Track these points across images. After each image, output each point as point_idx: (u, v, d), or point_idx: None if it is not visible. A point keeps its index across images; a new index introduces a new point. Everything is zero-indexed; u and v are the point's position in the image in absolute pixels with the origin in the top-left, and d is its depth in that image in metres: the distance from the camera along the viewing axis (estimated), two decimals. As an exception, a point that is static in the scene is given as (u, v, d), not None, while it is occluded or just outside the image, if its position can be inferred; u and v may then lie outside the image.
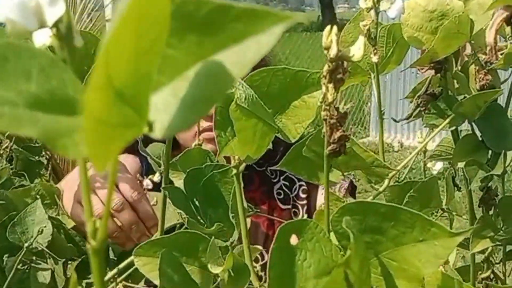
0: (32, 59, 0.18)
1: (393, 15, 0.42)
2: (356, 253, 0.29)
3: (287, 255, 0.32)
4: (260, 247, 0.46)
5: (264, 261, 0.73)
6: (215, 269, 0.37)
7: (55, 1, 0.19)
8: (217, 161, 0.46)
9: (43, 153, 0.74)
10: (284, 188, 0.76)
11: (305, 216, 0.74)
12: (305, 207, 0.76)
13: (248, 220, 0.46)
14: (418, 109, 0.42)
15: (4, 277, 0.47)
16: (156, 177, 0.49)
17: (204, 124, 0.65)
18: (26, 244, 0.48)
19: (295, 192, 0.77)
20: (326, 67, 0.32)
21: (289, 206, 0.76)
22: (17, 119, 0.16)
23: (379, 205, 0.32)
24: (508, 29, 0.44)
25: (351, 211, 0.32)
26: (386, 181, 0.42)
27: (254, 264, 0.65)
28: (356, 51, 0.32)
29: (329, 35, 0.32)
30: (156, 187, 0.52)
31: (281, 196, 0.77)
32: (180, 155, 0.45)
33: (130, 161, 0.59)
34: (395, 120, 0.45)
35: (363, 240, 0.32)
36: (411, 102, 0.43)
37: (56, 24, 0.20)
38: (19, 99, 0.17)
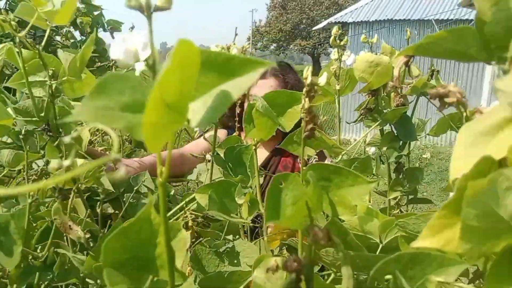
0: (126, 82, 0.27)
1: (349, 63, 0.73)
2: (314, 191, 0.44)
3: (277, 192, 0.45)
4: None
5: None
6: (240, 201, 0.67)
7: (145, 47, 0.31)
8: (244, 142, 0.77)
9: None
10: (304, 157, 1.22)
11: None
12: None
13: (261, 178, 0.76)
14: (362, 116, 0.73)
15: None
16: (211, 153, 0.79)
17: None
18: (136, 187, 0.78)
19: (310, 161, 1.16)
20: (305, 89, 0.62)
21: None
22: (112, 117, 0.25)
23: (330, 165, 0.47)
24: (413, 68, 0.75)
25: (314, 168, 0.47)
26: (340, 156, 0.72)
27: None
28: (322, 80, 0.63)
29: (306, 70, 0.62)
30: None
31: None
32: (224, 140, 0.75)
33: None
34: (348, 122, 0.76)
35: (319, 184, 0.46)
36: (358, 112, 0.74)
37: (146, 59, 0.31)
38: (116, 105, 0.26)
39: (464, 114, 0.34)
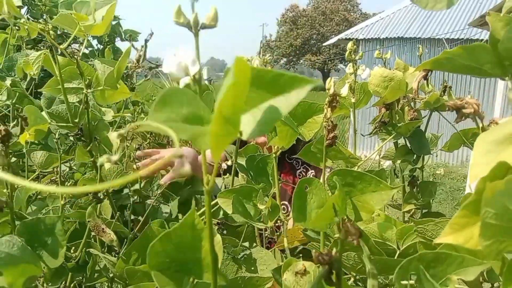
0: (184, 95, 0.31)
1: (364, 77, 0.76)
2: (339, 195, 0.47)
3: (303, 196, 0.52)
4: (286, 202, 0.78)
5: (285, 211, 1.17)
6: (261, 206, 0.70)
7: (194, 63, 0.35)
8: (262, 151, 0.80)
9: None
10: (302, 173, 1.41)
11: None
12: None
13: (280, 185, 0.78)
14: (376, 129, 0.76)
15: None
16: (229, 162, 0.82)
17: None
18: (153, 194, 0.81)
19: (308, 176, 1.38)
20: (327, 99, 0.65)
21: None
22: (177, 128, 0.29)
23: (353, 171, 0.52)
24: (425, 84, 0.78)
25: (338, 174, 0.52)
26: (356, 167, 0.75)
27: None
28: (344, 91, 0.66)
29: (330, 82, 0.65)
30: (228, 168, 0.87)
31: (300, 177, 1.40)
32: (242, 148, 0.78)
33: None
34: (363, 135, 0.79)
35: (343, 189, 0.50)
36: (372, 125, 0.76)
37: (194, 74, 0.36)
38: (177, 117, 0.30)
39: (481, 124, 0.36)
